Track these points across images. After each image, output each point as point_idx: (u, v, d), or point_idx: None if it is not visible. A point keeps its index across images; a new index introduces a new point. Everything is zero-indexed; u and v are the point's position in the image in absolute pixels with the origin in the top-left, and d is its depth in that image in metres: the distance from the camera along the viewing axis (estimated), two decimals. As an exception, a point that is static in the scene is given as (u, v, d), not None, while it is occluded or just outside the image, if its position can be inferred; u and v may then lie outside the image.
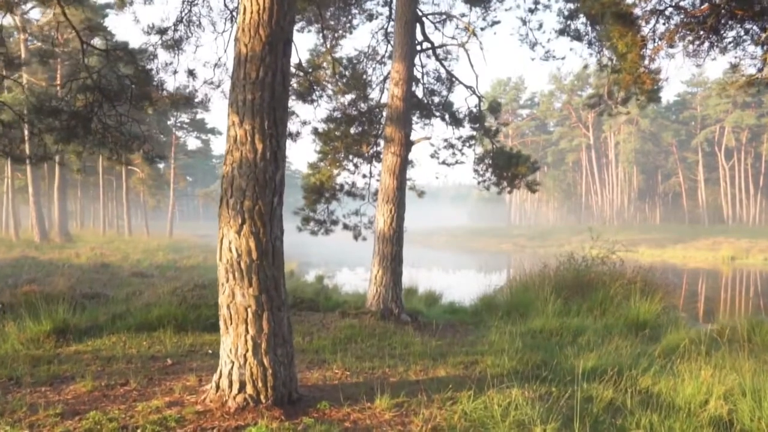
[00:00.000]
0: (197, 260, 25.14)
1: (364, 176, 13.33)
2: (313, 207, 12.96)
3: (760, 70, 6.79)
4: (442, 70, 12.79)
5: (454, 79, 12.79)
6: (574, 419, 4.08)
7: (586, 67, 12.64)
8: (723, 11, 6.13)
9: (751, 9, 6.01)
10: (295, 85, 12.62)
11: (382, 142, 11.38)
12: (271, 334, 4.36)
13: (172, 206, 53.52)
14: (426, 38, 11.44)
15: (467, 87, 12.40)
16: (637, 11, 6.95)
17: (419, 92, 12.69)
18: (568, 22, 10.81)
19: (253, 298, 4.32)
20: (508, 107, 75.31)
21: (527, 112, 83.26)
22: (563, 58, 18.45)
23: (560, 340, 7.47)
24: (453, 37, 13.21)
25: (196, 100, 10.02)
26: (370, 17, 13.30)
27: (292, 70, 11.91)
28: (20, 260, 19.70)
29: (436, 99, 13.10)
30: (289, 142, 13.02)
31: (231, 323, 4.38)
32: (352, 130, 12.93)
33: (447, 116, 12.91)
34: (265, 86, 4.36)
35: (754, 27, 6.40)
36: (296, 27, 12.49)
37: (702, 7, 6.44)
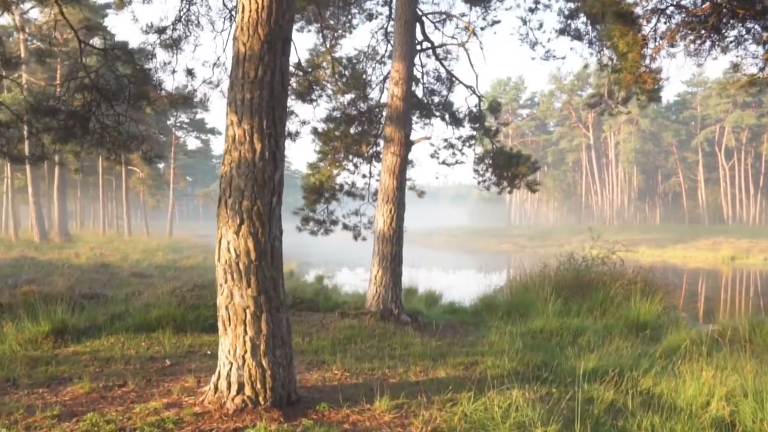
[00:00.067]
0: (197, 260, 25.11)
1: (364, 176, 13.31)
2: (313, 207, 12.94)
3: (761, 69, 6.76)
4: (442, 70, 12.77)
5: (454, 79, 12.76)
6: (575, 421, 4.06)
7: (586, 66, 12.62)
8: (724, 10, 6.10)
9: (753, 8, 5.98)
10: (294, 85, 12.59)
11: (381, 142, 11.35)
12: (269, 335, 4.33)
13: (171, 206, 53.49)
14: (426, 38, 11.41)
15: (467, 87, 12.38)
16: (638, 10, 6.93)
17: (419, 92, 12.67)
18: (569, 21, 10.79)
19: (251, 299, 4.29)
20: (508, 107, 75.29)
21: (527, 112, 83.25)
22: (563, 58, 18.47)
23: (560, 341, 7.44)
24: (453, 37, 13.20)
25: (195, 99, 9.98)
26: (370, 17, 13.28)
27: (291, 69, 11.88)
28: (20, 260, 19.66)
29: (436, 99, 13.08)
30: (288, 142, 13.01)
31: (229, 324, 4.35)
32: (352, 130, 12.91)
33: (447, 116, 12.89)
34: (264, 85, 4.33)
35: (756, 26, 6.37)
36: (296, 26, 12.47)
37: (703, 6, 6.41)
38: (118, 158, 9.11)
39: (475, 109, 12.76)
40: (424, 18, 11.23)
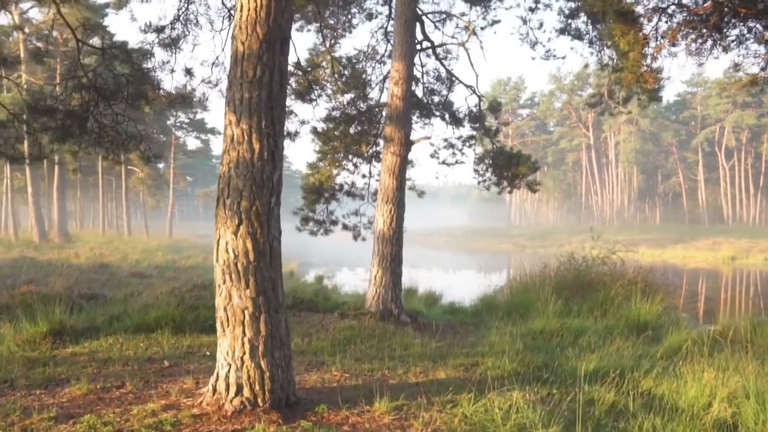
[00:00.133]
0: (196, 260, 25.09)
1: (364, 176, 13.28)
2: (313, 207, 12.90)
3: (763, 68, 6.73)
4: (442, 70, 12.73)
5: (454, 79, 12.73)
6: (576, 423, 4.03)
7: (586, 66, 12.59)
8: (726, 9, 6.07)
9: (755, 7, 5.94)
10: (293, 84, 12.55)
11: (381, 142, 11.32)
12: (268, 336, 4.30)
13: (171, 206, 53.46)
14: (426, 37, 11.37)
15: (467, 86, 12.34)
16: (640, 9, 6.91)
17: (419, 92, 12.64)
18: (569, 21, 10.76)
19: (250, 300, 4.26)
20: (508, 107, 75.25)
21: (527, 112, 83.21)
22: (564, 58, 18.43)
23: (561, 342, 7.41)
24: (453, 36, 13.18)
25: (194, 99, 9.94)
26: (370, 16, 13.25)
27: (291, 68, 11.86)
28: (19, 260, 19.63)
29: (436, 98, 13.05)
30: (287, 142, 12.98)
31: (228, 325, 4.32)
32: (352, 130, 12.87)
33: (447, 116, 12.85)
34: (263, 85, 4.30)
35: (758, 25, 6.34)
36: (295, 26, 12.44)
37: (705, 4, 6.38)
38: (116, 158, 9.07)
39: (475, 109, 12.73)
40: (424, 17, 11.20)
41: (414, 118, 12.43)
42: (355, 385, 5.14)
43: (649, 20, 6.87)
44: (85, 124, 7.61)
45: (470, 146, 13.23)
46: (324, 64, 13.09)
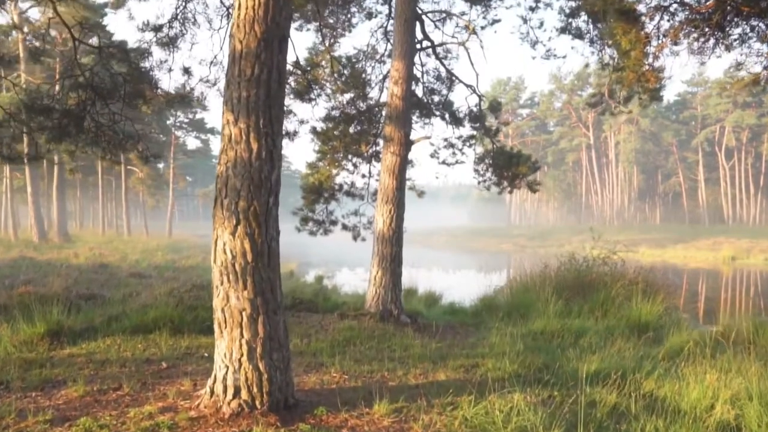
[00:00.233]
0: (196, 260, 25.03)
1: (364, 176, 13.24)
2: (312, 207, 12.86)
3: (766, 67, 6.69)
4: (442, 69, 12.69)
5: (454, 78, 12.68)
6: (578, 425, 3.99)
7: (587, 66, 12.55)
8: (729, 7, 6.02)
9: (758, 5, 5.90)
10: (292, 84, 12.51)
11: (381, 142, 11.27)
12: (266, 338, 4.25)
13: (171, 206, 53.40)
14: (426, 37, 11.33)
15: (467, 86, 12.30)
16: (641, 8, 6.85)
17: (419, 91, 12.59)
18: (570, 20, 10.72)
19: (248, 301, 4.21)
20: (508, 107, 75.19)
21: (527, 111, 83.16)
22: (564, 57, 18.33)
23: (562, 342, 7.37)
24: (453, 36, 13.14)
25: (192, 98, 9.89)
26: (370, 15, 13.20)
27: (290, 67, 11.80)
28: (18, 260, 19.58)
29: (436, 98, 13.00)
30: (287, 142, 12.95)
31: (225, 327, 4.27)
32: (351, 130, 12.83)
33: (447, 115, 12.81)
34: (261, 84, 4.26)
35: (760, 24, 6.29)
36: (294, 25, 12.39)
37: (707, 3, 6.33)
38: (113, 157, 9.02)
39: (475, 109, 12.68)
40: (424, 17, 11.15)
41: (414, 117, 12.39)
42: (355, 386, 5.09)
43: (651, 19, 6.82)
44: (81, 124, 7.55)
45: (470, 146, 13.19)
46: (323, 63, 13.05)
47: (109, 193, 52.63)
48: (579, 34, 10.75)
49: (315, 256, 36.62)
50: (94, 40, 10.95)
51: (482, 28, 12.85)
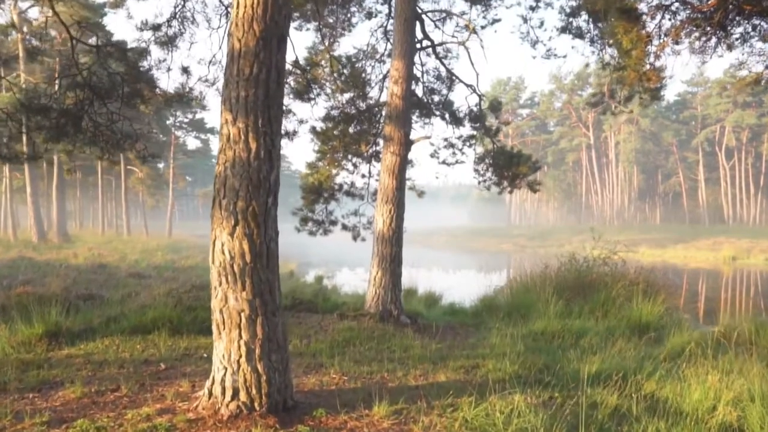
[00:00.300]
0: (196, 260, 24.99)
1: (363, 176, 13.21)
2: (312, 207, 12.83)
3: (767, 67, 6.65)
4: (442, 69, 12.66)
5: (454, 78, 12.65)
6: (580, 427, 3.96)
7: (587, 65, 12.52)
8: (731, 6, 5.99)
9: (759, 4, 5.87)
10: (292, 83, 12.47)
11: (381, 142, 11.24)
12: (265, 339, 4.22)
13: (171, 206, 53.35)
14: (426, 36, 11.30)
15: (467, 85, 12.27)
16: (642, 6, 6.82)
17: (419, 91, 12.56)
18: (570, 19, 10.68)
19: (246, 303, 4.18)
20: (508, 107, 75.15)
21: (527, 111, 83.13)
22: (565, 57, 18.34)
23: (562, 343, 7.34)
24: (453, 35, 13.09)
25: (191, 97, 9.84)
26: (369, 15, 13.16)
27: (289, 67, 11.77)
28: (17, 261, 19.55)
29: (436, 98, 12.97)
30: (286, 141, 12.92)
31: (224, 328, 4.24)
32: (351, 129, 12.79)
33: (447, 115, 12.78)
34: (259, 83, 4.22)
35: (762, 23, 6.26)
36: (294, 24, 12.35)
37: (709, 2, 6.29)
38: (111, 157, 8.98)
39: (475, 108, 12.65)
40: (424, 16, 11.12)
41: (414, 117, 12.36)
42: (354, 388, 5.06)
43: (653, 18, 6.79)
44: (79, 123, 7.51)
45: (470, 146, 13.15)
46: (323, 62, 13.01)
47: (108, 193, 52.60)
48: (579, 34, 10.72)
49: (315, 256, 36.59)
50: (93, 40, 10.92)
51: (482, 27, 12.83)
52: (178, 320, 7.40)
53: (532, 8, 11.94)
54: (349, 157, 13.03)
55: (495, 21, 12.70)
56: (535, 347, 6.97)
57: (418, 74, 12.31)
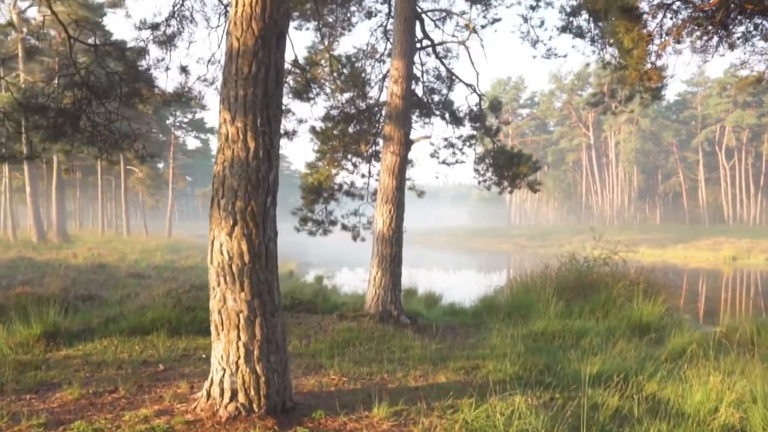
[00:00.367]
0: (195, 260, 24.95)
1: (363, 176, 13.18)
2: (311, 207, 12.80)
3: (769, 66, 6.62)
4: (442, 68, 12.63)
5: (454, 77, 12.62)
6: (580, 429, 3.92)
7: (587, 65, 12.50)
8: (732, 5, 5.96)
9: (761, 3, 5.84)
10: (291, 83, 12.44)
11: (381, 141, 11.21)
12: (264, 340, 4.19)
13: (171, 206, 53.32)
14: (426, 36, 11.27)
15: (468, 85, 12.24)
16: (644, 5, 6.79)
17: (419, 90, 12.53)
18: (571, 18, 10.65)
19: (245, 303, 4.15)
20: (508, 107, 75.11)
21: (527, 111, 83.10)
22: (565, 56, 18.33)
23: (563, 343, 7.31)
24: (453, 35, 13.06)
25: (190, 97, 9.82)
26: (369, 14, 13.14)
27: (288, 66, 11.74)
28: (16, 261, 19.52)
29: (436, 97, 12.94)
30: (286, 141, 12.89)
31: (222, 329, 4.21)
32: (351, 129, 12.76)
33: (447, 115, 12.75)
34: (258, 82, 4.19)
35: (764, 22, 6.23)
36: (293, 24, 12.32)
37: (711, 0, 6.26)
38: (109, 157, 8.95)
39: (475, 108, 12.62)
40: (424, 15, 11.09)
41: (414, 117, 12.33)
42: (354, 389, 5.03)
43: (654, 17, 6.76)
44: (77, 123, 7.47)
45: (470, 146, 13.13)
46: (323, 62, 12.98)
47: (108, 193, 52.56)
48: (580, 33, 10.69)
49: (314, 256, 36.56)
50: (92, 39, 10.87)
51: (482, 27, 12.80)
52: (177, 321, 7.37)
53: (533, 7, 11.91)
54: (349, 156, 13.00)
55: (495, 20, 12.68)
56: (536, 348, 6.94)
57: (418, 74, 12.29)
